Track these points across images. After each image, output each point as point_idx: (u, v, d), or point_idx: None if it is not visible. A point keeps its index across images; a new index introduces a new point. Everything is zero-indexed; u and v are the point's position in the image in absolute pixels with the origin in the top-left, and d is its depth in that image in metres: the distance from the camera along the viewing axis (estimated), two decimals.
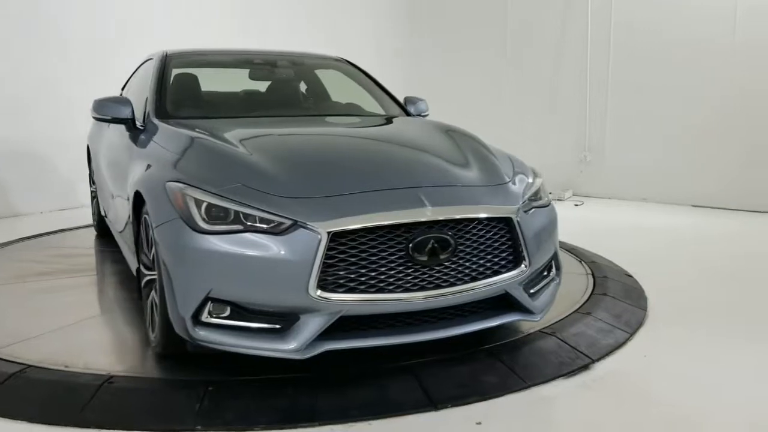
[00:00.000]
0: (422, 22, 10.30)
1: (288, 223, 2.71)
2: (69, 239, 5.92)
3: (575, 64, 8.70)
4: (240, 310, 2.76)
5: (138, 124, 3.96)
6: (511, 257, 3.04)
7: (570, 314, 3.86)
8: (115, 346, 3.52)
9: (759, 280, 4.83)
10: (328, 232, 2.67)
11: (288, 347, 2.73)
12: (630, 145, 8.31)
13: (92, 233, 6.06)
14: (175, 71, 4.26)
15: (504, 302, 3.11)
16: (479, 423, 2.75)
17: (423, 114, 4.63)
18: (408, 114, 4.50)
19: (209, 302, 2.76)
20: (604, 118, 8.54)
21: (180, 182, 2.91)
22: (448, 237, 2.82)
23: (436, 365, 3.14)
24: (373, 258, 2.74)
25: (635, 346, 3.56)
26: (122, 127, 4.16)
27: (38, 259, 5.22)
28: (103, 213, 5.34)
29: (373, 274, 2.75)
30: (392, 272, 2.77)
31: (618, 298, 4.25)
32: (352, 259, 2.73)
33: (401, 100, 4.65)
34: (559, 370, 3.22)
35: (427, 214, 2.82)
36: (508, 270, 3.02)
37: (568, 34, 8.75)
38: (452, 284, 2.87)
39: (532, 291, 3.18)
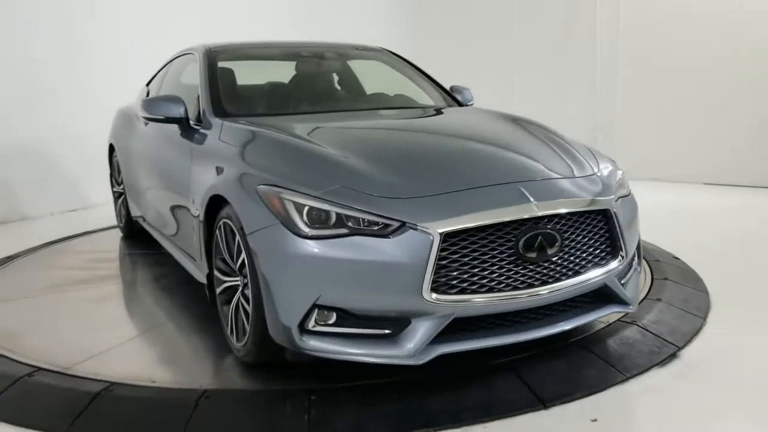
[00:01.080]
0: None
1: (396, 224, 2.61)
2: (96, 242, 5.74)
3: (584, 45, 8.66)
4: (348, 317, 2.67)
5: (191, 123, 3.81)
6: (608, 249, 2.99)
7: (642, 300, 3.83)
8: (195, 357, 3.40)
9: None
10: (441, 233, 2.59)
11: (402, 353, 2.65)
12: (641, 124, 8.32)
13: (117, 235, 5.88)
14: (220, 66, 4.10)
15: (600, 295, 3.05)
16: (594, 420, 2.70)
17: (469, 103, 4.54)
18: (459, 104, 4.41)
19: (316, 310, 2.66)
20: (614, 99, 8.53)
21: (274, 186, 2.80)
22: (555, 233, 2.76)
23: (534, 361, 3.09)
24: (484, 257, 2.67)
25: (713, 329, 3.56)
26: (168, 126, 4.01)
27: (71, 265, 5.05)
28: (135, 214, 5.17)
29: (484, 273, 2.67)
30: (502, 270, 2.70)
31: (679, 282, 4.24)
32: (464, 259, 2.65)
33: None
34: (652, 360, 3.19)
35: (534, 209, 2.75)
36: (607, 262, 2.97)
37: (578, 13, 8.70)
38: (558, 279, 2.81)
39: (622, 281, 3.14)
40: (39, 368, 3.18)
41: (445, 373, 2.96)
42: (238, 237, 2.94)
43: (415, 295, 2.59)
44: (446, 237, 2.60)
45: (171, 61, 5.01)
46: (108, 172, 6.02)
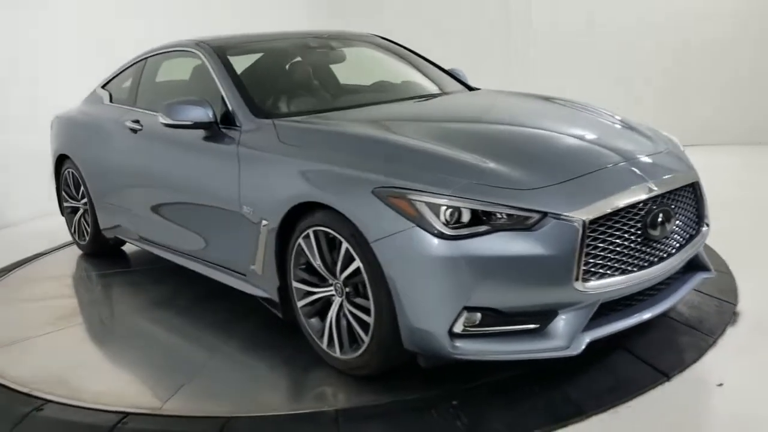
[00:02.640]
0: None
1: (537, 216, 2.56)
2: (57, 265, 5.16)
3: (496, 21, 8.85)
4: (495, 315, 2.59)
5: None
6: (697, 218, 3.10)
7: None
8: (310, 378, 3.13)
9: None
10: (585, 221, 2.57)
11: (555, 345, 2.61)
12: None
13: (72, 254, 5.32)
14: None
15: (687, 265, 3.17)
16: (720, 384, 2.81)
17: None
18: (468, 87, 4.36)
19: (465, 312, 2.56)
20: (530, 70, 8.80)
21: (394, 187, 2.64)
22: (670, 209, 2.83)
23: (635, 337, 3.13)
24: (618, 240, 2.68)
25: (745, 281, 3.77)
26: (180, 133, 3.67)
27: (53, 293, 4.54)
28: (105, 227, 4.74)
29: (619, 257, 2.69)
30: (632, 252, 2.73)
31: None
32: (603, 245, 2.65)
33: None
34: (723, 320, 3.35)
35: (653, 188, 2.79)
36: (698, 231, 3.09)
37: None
38: (670, 255, 2.89)
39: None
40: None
41: (562, 363, 2.90)
42: (346, 245, 2.76)
43: (565, 287, 2.56)
44: (588, 224, 2.58)
45: (138, 61, 4.57)
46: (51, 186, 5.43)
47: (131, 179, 4.28)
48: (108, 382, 3.21)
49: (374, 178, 2.71)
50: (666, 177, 2.90)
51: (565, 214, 2.56)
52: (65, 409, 2.94)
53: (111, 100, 4.77)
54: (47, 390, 3.09)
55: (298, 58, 4.20)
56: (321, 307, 3.06)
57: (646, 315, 2.83)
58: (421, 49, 4.65)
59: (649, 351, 3.05)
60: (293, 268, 3.10)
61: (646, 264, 2.78)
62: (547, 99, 3.86)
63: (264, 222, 3.18)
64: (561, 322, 2.63)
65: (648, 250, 2.79)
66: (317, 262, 2.96)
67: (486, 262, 2.51)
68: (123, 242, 4.95)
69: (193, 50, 3.97)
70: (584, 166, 2.83)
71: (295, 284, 3.12)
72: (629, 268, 2.72)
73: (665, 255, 2.86)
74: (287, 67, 4.15)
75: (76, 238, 5.23)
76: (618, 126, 3.40)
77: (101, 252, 5.11)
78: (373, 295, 2.70)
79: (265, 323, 3.63)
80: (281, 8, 9.26)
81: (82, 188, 4.94)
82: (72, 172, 5.03)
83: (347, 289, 2.88)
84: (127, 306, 4.19)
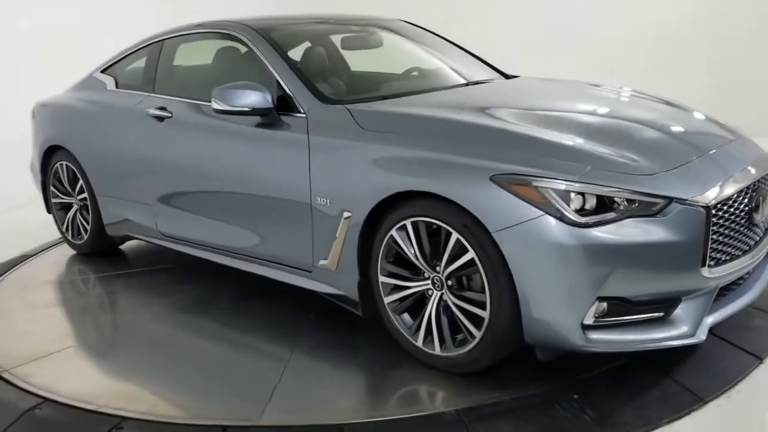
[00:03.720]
0: None
1: (663, 202, 2.52)
2: (53, 267, 4.74)
3: None
4: (624, 305, 2.54)
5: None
6: None
7: None
8: (408, 378, 2.95)
9: None
10: (709, 205, 2.54)
11: (681, 333, 2.58)
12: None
13: (62, 255, 4.92)
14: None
15: None
16: None
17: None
18: (504, 75, 4.28)
19: (596, 303, 2.49)
20: None
21: (516, 174, 2.54)
22: (766, 193, 2.85)
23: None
24: (732, 225, 2.68)
25: None
26: (225, 119, 3.44)
27: (64, 298, 4.17)
28: (109, 222, 4.40)
29: (732, 241, 2.69)
30: (741, 236, 2.74)
31: None
32: (721, 230, 2.64)
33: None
34: None
35: (753, 172, 2.81)
36: None
37: None
38: (762, 239, 2.92)
39: None
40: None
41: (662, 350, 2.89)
42: (456, 236, 2.64)
43: (693, 273, 2.54)
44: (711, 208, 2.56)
45: (150, 44, 4.25)
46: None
47: (155, 171, 3.97)
48: (180, 393, 2.95)
49: (491, 165, 2.59)
50: (759, 162, 2.93)
51: (690, 198, 2.53)
52: (149, 426, 2.67)
53: (117, 86, 4.41)
54: (118, 406, 2.80)
55: (342, 43, 4.01)
56: (413, 303, 2.91)
57: (748, 298, 2.83)
58: None
59: (732, 335, 3.07)
60: (379, 262, 2.94)
61: (748, 248, 2.79)
62: (598, 86, 3.83)
63: (346, 214, 3.00)
64: (684, 309, 2.60)
65: (750, 234, 2.80)
66: (415, 255, 2.81)
67: (618, 250, 2.45)
68: (127, 240, 4.61)
69: (235, 33, 3.71)
70: (687, 152, 2.81)
71: (382, 279, 2.96)
72: (738, 252, 2.73)
73: (758, 239, 2.88)
74: (333, 52, 3.95)
75: (70, 237, 4.82)
76: (686, 112, 3.40)
77: (99, 252, 4.74)
78: (491, 287, 2.59)
79: (326, 323, 3.46)
80: None
81: (80, 182, 4.55)
82: (66, 165, 4.63)
83: (449, 282, 2.75)
84: (155, 312, 3.82)
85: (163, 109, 3.90)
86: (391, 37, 4.31)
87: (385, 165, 2.86)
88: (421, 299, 2.89)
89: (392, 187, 2.81)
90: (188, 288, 4.06)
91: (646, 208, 2.50)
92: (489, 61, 4.37)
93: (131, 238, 4.48)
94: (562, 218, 2.45)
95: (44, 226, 5.18)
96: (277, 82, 3.39)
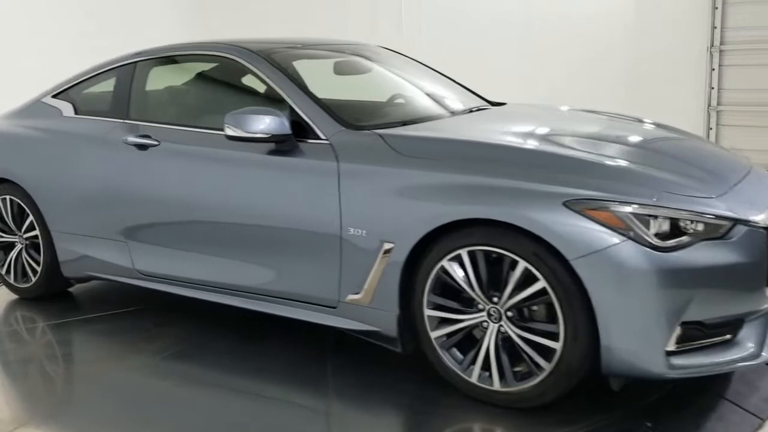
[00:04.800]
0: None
1: (728, 224, 2.54)
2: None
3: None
4: (699, 329, 2.52)
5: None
6: None
7: None
8: (467, 418, 2.78)
9: None
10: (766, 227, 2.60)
11: (749, 354, 2.59)
12: None
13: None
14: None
15: None
16: None
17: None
18: (488, 102, 4.24)
19: (678, 328, 2.46)
20: None
21: (590, 199, 2.48)
22: None
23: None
24: None
25: None
26: (225, 148, 3.21)
27: (23, 356, 3.67)
28: (64, 259, 3.95)
29: None
30: None
31: None
32: None
33: None
34: None
35: None
36: None
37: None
38: None
39: None
40: None
41: None
42: (524, 265, 2.54)
43: (759, 294, 2.57)
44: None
45: (119, 66, 3.88)
46: None
47: (133, 204, 3.60)
48: None
49: (562, 191, 2.52)
50: None
51: (752, 220, 2.56)
52: None
53: (77, 112, 4.00)
54: None
55: (334, 68, 3.83)
56: (465, 336, 2.78)
57: None
58: None
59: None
60: (425, 295, 2.79)
61: None
62: (596, 112, 3.87)
63: (387, 245, 2.82)
64: (748, 330, 2.61)
65: None
66: (471, 286, 2.68)
67: (698, 274, 2.45)
68: (81, 282, 4.17)
69: (232, 56, 3.46)
70: (727, 177, 2.86)
71: (428, 312, 2.80)
72: None
73: None
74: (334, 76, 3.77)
75: (11, 280, 4.29)
76: (697, 139, 3.50)
77: (48, 295, 4.25)
78: (566, 317, 2.50)
79: (346, 361, 3.24)
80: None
81: (29, 218, 4.07)
82: (11, 200, 4.14)
83: (509, 314, 2.64)
84: (136, 361, 3.39)
85: (145, 136, 3.56)
86: (369, 63, 4.18)
87: (433, 192, 2.72)
88: (469, 332, 2.76)
89: (447, 215, 2.67)
90: (171, 331, 3.68)
91: (714, 231, 2.51)
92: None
93: (90, 279, 4.04)
94: (643, 243, 2.41)
95: None
96: (290, 107, 3.17)
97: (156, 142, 3.51)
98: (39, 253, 4.10)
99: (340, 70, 3.85)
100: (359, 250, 2.90)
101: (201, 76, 3.82)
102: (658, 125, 3.62)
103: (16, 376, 3.43)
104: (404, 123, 3.25)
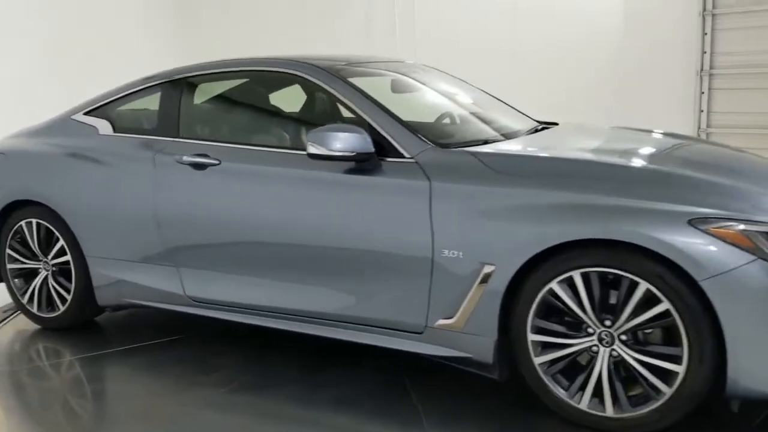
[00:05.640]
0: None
1: None
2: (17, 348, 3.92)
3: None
4: None
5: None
6: None
7: None
8: None
9: None
10: None
11: None
12: None
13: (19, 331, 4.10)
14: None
15: None
16: None
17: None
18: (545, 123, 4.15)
19: None
20: None
21: (718, 218, 2.43)
22: None
23: None
24: None
25: None
26: (297, 167, 3.09)
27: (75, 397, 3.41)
28: (100, 283, 3.71)
29: None
30: None
31: None
32: None
33: None
34: None
35: None
36: None
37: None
38: None
39: None
40: None
41: None
42: (647, 286, 2.47)
43: None
44: None
45: (165, 82, 3.70)
46: None
47: (188, 227, 3.42)
48: None
49: (685, 209, 2.46)
50: None
51: None
52: None
53: (116, 130, 3.79)
54: None
55: (392, 86, 3.73)
56: (574, 362, 2.68)
57: None
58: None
59: None
60: (531, 317, 2.69)
61: None
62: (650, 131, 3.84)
63: (488, 268, 2.72)
64: None
65: None
66: (583, 309, 2.59)
67: None
68: (117, 310, 3.94)
69: (300, 73, 3.33)
70: None
71: (531, 337, 2.70)
72: None
73: None
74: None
75: (35, 309, 4.01)
76: (734, 151, 3.50)
77: (76, 325, 3.99)
78: (690, 339, 2.43)
79: (431, 389, 3.10)
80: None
81: (59, 243, 3.82)
82: (38, 223, 3.88)
83: (624, 337, 2.56)
84: (197, 395, 3.18)
85: (203, 155, 3.38)
86: (418, 81, 4.08)
87: (542, 212, 2.64)
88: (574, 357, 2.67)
89: (559, 235, 2.58)
90: (229, 362, 3.48)
91: None
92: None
93: (127, 306, 3.81)
94: None
95: None
96: (369, 125, 3.05)
97: (216, 161, 3.33)
98: (68, 280, 3.85)
99: (397, 88, 3.74)
100: (453, 273, 2.78)
101: (262, 93, 3.65)
102: (705, 141, 3.63)
103: (44, 419, 3.15)
104: (486, 141, 3.15)
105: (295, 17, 8.95)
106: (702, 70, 8.03)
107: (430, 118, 3.61)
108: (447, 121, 3.74)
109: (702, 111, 8.22)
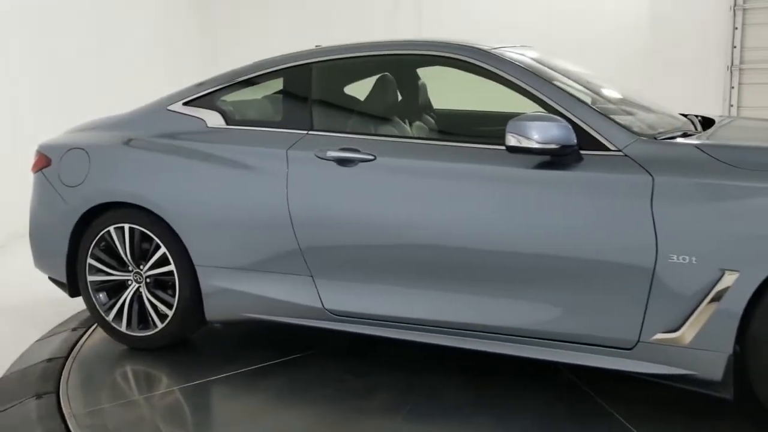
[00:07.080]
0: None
1: None
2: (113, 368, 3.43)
3: None
4: None
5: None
6: None
7: None
8: None
9: None
10: None
11: None
12: None
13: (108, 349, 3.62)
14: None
15: None
16: None
17: None
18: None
19: None
20: None
21: None
22: None
23: None
24: None
25: None
26: (474, 162, 2.74)
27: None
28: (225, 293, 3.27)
29: None
30: None
31: None
32: None
33: None
34: None
35: None
36: None
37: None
38: None
39: None
40: None
41: None
42: None
43: None
44: None
45: (274, 70, 3.29)
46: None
47: (330, 232, 3.02)
48: None
49: None
50: None
51: None
52: None
53: (228, 123, 3.35)
54: None
55: None
56: None
57: None
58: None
59: None
60: None
61: None
62: None
63: (730, 274, 2.41)
64: None
65: None
66: None
67: None
68: (233, 324, 3.51)
69: (462, 57, 2.97)
70: None
71: None
72: None
73: None
74: None
75: (122, 328, 3.53)
76: None
77: (171, 345, 3.53)
78: None
79: (647, 411, 2.79)
80: None
81: (159, 250, 3.36)
82: (131, 229, 3.41)
83: None
84: (370, 427, 2.78)
85: (353, 150, 2.98)
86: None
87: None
88: None
89: None
90: (381, 381, 3.10)
91: None
92: None
93: (242, 321, 3.37)
94: None
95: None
96: (562, 115, 2.72)
97: (370, 156, 2.94)
98: (166, 293, 3.39)
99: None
100: (683, 281, 2.49)
101: (412, 79, 3.26)
102: None
103: None
104: (685, 134, 2.86)
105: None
106: (732, 65, 7.96)
107: None
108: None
109: (732, 105, 8.17)
